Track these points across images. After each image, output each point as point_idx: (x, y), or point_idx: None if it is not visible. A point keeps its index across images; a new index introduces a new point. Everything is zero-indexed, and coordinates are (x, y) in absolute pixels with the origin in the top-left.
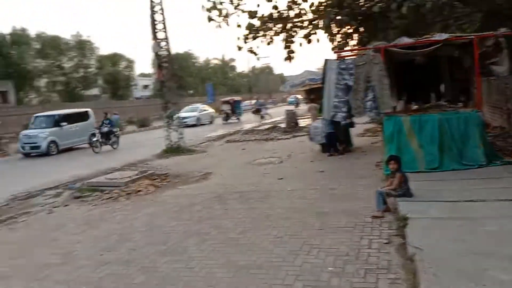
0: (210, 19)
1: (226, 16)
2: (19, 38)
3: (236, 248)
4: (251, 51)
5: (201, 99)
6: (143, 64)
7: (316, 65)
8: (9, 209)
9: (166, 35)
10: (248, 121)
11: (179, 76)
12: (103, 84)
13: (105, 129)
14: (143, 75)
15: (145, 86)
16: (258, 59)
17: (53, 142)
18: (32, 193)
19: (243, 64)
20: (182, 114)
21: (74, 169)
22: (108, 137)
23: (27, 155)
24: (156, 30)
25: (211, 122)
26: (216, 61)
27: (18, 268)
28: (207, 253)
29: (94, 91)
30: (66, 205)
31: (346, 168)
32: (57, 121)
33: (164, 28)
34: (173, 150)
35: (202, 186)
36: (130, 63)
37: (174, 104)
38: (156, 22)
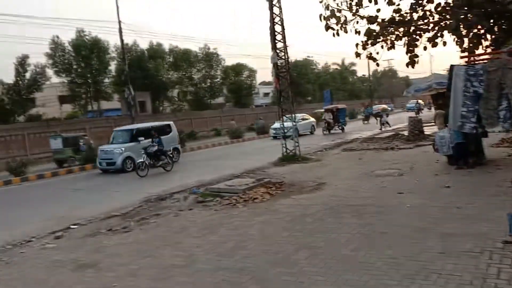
0: (328, 27)
1: (345, 23)
2: (155, 52)
3: (348, 265)
4: (370, 57)
5: (318, 105)
6: (265, 72)
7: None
8: (142, 210)
9: (284, 45)
10: (354, 131)
11: (297, 83)
12: (227, 93)
13: (153, 148)
14: (264, 83)
15: (266, 94)
16: (377, 65)
17: (129, 158)
18: (162, 196)
19: (364, 68)
20: (276, 125)
21: (199, 175)
22: (157, 157)
23: (105, 171)
24: (275, 41)
25: (311, 133)
26: (335, 66)
27: (146, 267)
28: (318, 268)
29: (220, 99)
30: (190, 209)
31: (476, 184)
32: (134, 136)
33: (283, 38)
34: (289, 158)
35: (316, 196)
36: (252, 72)
37: (289, 112)
38: (275, 33)
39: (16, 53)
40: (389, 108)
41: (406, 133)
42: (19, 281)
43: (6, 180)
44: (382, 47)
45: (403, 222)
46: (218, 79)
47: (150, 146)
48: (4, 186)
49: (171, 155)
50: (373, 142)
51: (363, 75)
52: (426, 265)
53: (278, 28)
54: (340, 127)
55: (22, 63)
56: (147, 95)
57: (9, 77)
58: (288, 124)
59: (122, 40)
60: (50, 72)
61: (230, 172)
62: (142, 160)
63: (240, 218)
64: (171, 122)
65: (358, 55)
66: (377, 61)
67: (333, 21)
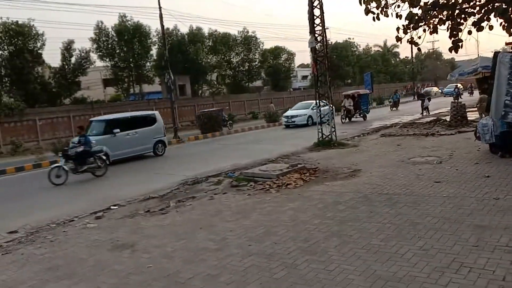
0: (368, 11)
1: (385, 7)
2: (194, 37)
3: (377, 256)
4: (411, 42)
5: (358, 88)
6: (303, 55)
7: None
8: (179, 193)
9: (323, 29)
10: (379, 118)
11: (337, 65)
12: (265, 76)
13: (77, 150)
14: (302, 66)
15: (304, 77)
16: (419, 50)
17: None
18: (198, 179)
19: (407, 50)
20: (290, 112)
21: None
22: (83, 161)
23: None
24: (314, 25)
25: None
26: (377, 48)
27: (180, 249)
28: (346, 257)
29: (258, 83)
30: (224, 193)
31: None
32: (108, 128)
33: (322, 22)
34: (325, 143)
35: (349, 183)
36: (290, 55)
37: (325, 97)
38: (314, 17)
39: (62, 38)
40: (440, 91)
41: (448, 118)
42: (61, 260)
43: (52, 160)
44: (424, 31)
45: (437, 212)
46: (256, 63)
47: (73, 146)
48: (50, 166)
49: (103, 157)
50: (413, 128)
51: (406, 57)
52: (458, 258)
53: (317, 11)
54: (361, 115)
55: (68, 48)
56: (186, 78)
57: (56, 62)
58: (325, 108)
59: (162, 25)
60: (94, 56)
61: (264, 156)
62: (58, 164)
63: (272, 203)
64: (156, 112)
65: (399, 39)
66: (419, 46)
67: (373, 4)
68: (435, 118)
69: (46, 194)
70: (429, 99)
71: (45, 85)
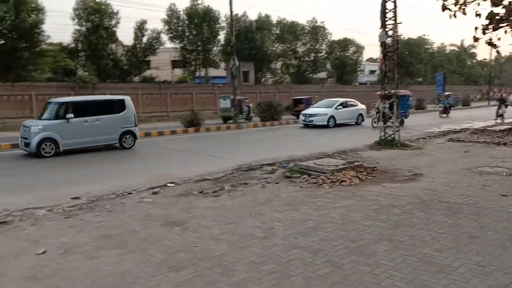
0: (444, 8)
1: (464, 4)
2: (262, 24)
3: (428, 266)
4: (490, 43)
5: (429, 88)
6: (372, 49)
7: None
8: (232, 178)
9: (395, 24)
10: (419, 125)
11: (408, 63)
12: (330, 69)
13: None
14: (371, 60)
15: (372, 71)
16: (498, 52)
17: (48, 139)
18: (252, 166)
19: (485, 51)
20: (310, 109)
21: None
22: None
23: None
24: (385, 19)
25: (357, 123)
26: (452, 47)
27: (228, 233)
28: (396, 263)
29: (322, 74)
30: (277, 183)
31: None
32: (62, 112)
33: (394, 16)
34: (386, 142)
35: (408, 187)
36: (359, 48)
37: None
38: (386, 11)
39: (135, 18)
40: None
41: None
42: (116, 229)
43: None
44: (505, 32)
45: (500, 228)
46: (322, 53)
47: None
48: None
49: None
50: (484, 135)
51: (484, 59)
52: None
53: (390, 5)
54: (398, 120)
55: (140, 28)
56: (251, 65)
57: (128, 40)
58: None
59: (231, 11)
60: (164, 37)
61: (321, 150)
62: None
63: (324, 199)
64: (126, 97)
65: (476, 39)
66: (498, 48)
67: (451, 1)
68: (509, 126)
69: (110, 166)
70: (506, 106)
71: (117, 62)
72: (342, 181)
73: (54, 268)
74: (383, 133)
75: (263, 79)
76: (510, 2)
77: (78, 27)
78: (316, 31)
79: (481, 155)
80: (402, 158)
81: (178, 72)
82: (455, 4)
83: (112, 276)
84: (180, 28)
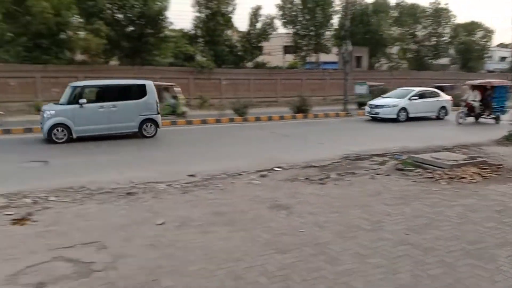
0: None
1: None
2: (379, 6)
3: None
4: None
5: None
6: (504, 33)
7: None
8: (339, 166)
9: None
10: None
11: None
12: (454, 54)
13: None
14: (502, 45)
15: (502, 58)
16: None
17: (59, 125)
18: (361, 155)
19: None
20: (377, 100)
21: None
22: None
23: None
24: None
25: (438, 117)
26: None
27: (332, 221)
28: None
29: (443, 60)
30: (387, 175)
31: None
32: (75, 97)
33: None
34: None
35: None
36: (488, 33)
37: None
38: None
39: (252, 4)
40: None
41: None
42: (227, 207)
43: (230, 118)
44: None
45: None
46: (445, 38)
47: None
48: (229, 123)
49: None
50: None
51: None
52: None
53: None
54: (493, 116)
55: (255, 14)
56: (365, 50)
57: (242, 26)
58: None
59: None
60: (278, 23)
61: (439, 143)
62: None
63: (440, 195)
64: (147, 82)
65: None
66: None
67: None
68: None
69: (222, 148)
70: None
71: (232, 48)
72: (462, 177)
73: (171, 238)
74: None
75: (377, 65)
76: None
77: (198, 14)
78: (439, 14)
79: None
80: None
81: (290, 57)
82: None
83: (222, 251)
84: (293, 13)
